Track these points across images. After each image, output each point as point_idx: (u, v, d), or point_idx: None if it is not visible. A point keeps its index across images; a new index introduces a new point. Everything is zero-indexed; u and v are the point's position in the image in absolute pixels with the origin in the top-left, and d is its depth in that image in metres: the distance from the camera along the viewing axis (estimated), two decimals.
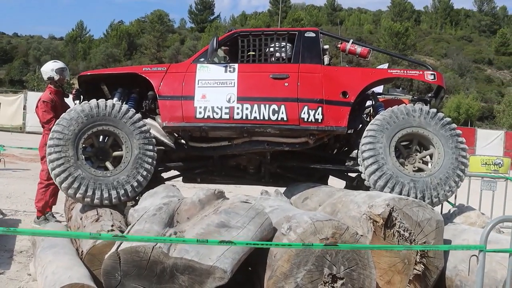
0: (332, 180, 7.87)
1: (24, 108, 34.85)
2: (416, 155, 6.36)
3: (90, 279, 4.18)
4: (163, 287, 3.87)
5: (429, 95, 7.24)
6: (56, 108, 7.71)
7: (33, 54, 78.79)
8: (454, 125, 6.29)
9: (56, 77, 7.80)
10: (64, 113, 6.01)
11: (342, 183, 7.69)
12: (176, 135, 6.71)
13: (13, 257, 6.09)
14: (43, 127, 7.81)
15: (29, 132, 30.92)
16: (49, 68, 7.86)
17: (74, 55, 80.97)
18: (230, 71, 6.46)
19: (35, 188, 7.85)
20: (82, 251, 4.86)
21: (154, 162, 6.11)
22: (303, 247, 3.95)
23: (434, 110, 6.30)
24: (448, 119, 6.30)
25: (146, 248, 3.86)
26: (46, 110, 7.72)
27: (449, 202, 7.49)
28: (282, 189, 7.06)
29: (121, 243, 3.99)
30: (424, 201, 5.78)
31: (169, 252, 3.89)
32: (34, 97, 35.54)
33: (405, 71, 7.10)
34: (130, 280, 3.87)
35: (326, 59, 6.76)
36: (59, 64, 8.03)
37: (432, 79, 6.76)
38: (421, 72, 6.83)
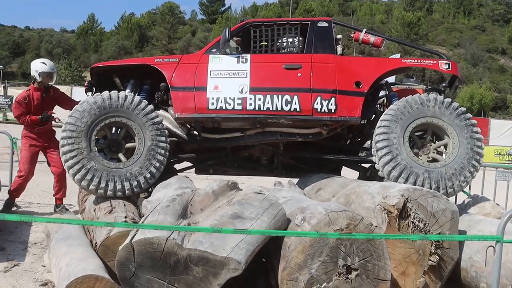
0: (345, 171, 7.83)
1: None
2: (431, 145, 6.31)
3: (104, 271, 4.18)
4: (177, 278, 3.86)
5: (444, 84, 7.16)
6: (30, 105, 7.78)
7: (45, 47, 79.14)
8: (469, 115, 6.22)
9: (39, 79, 7.77)
10: (77, 105, 6.01)
11: (355, 174, 7.65)
12: (189, 126, 6.70)
13: (27, 249, 6.12)
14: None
15: None
16: (34, 69, 7.78)
17: (86, 48, 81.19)
18: (242, 61, 6.43)
19: (48, 180, 7.88)
20: (96, 243, 4.86)
21: (167, 153, 6.10)
22: (318, 236, 3.92)
23: (449, 99, 6.23)
24: (463, 109, 6.23)
25: (160, 240, 3.84)
26: (16, 106, 7.81)
27: (464, 192, 7.43)
28: (295, 180, 7.06)
29: (134, 235, 3.98)
30: (438, 191, 5.74)
31: (183, 243, 3.88)
32: None
33: (419, 61, 7.01)
34: (144, 272, 3.86)
35: (339, 49, 6.71)
36: (46, 67, 7.83)
37: (446, 69, 6.69)
38: (435, 62, 6.76)
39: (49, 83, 7.96)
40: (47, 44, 79.78)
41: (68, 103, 8.04)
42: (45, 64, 7.88)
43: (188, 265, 3.85)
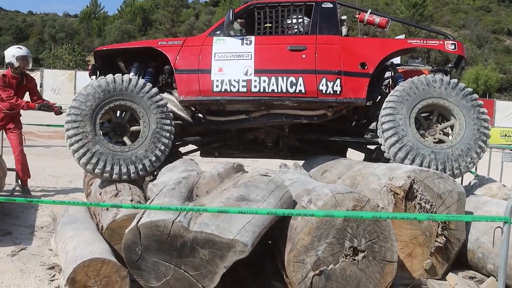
0: (351, 152, 7.81)
1: (41, 86, 34.99)
2: (437, 126, 6.27)
3: (111, 254, 4.19)
4: (184, 261, 3.86)
5: (450, 65, 7.10)
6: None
7: (48, 32, 78.94)
8: (475, 96, 6.18)
9: (16, 64, 7.90)
10: (81, 89, 5.99)
11: (361, 155, 7.63)
12: (194, 109, 6.69)
13: (34, 233, 6.14)
14: None
15: None
16: (11, 54, 7.95)
17: (89, 32, 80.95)
18: (246, 43, 6.39)
19: (54, 165, 7.93)
20: (102, 226, 4.87)
21: (172, 136, 6.09)
22: (325, 215, 3.91)
23: (455, 80, 6.19)
24: (470, 90, 6.18)
25: (166, 222, 3.84)
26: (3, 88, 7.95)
27: (471, 171, 7.39)
28: (301, 162, 7.04)
29: (141, 218, 3.98)
30: (445, 173, 5.72)
31: (189, 226, 3.87)
32: (50, 74, 35.92)
33: (425, 41, 6.94)
34: (151, 254, 3.86)
35: (344, 30, 6.65)
36: (22, 51, 8.03)
37: (452, 49, 6.63)
38: (441, 42, 6.71)
39: (26, 68, 8.15)
40: (50, 29, 79.56)
41: (36, 95, 8.41)
42: (21, 48, 8.14)
43: (195, 247, 3.84)
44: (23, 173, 8.12)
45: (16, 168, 8.10)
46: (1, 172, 7.17)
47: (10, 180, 8.09)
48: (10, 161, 8.38)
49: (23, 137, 8.55)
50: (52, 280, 4.63)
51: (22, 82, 8.05)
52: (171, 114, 6.18)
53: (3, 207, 6.99)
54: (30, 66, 8.25)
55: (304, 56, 6.33)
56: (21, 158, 8.07)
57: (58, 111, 8.09)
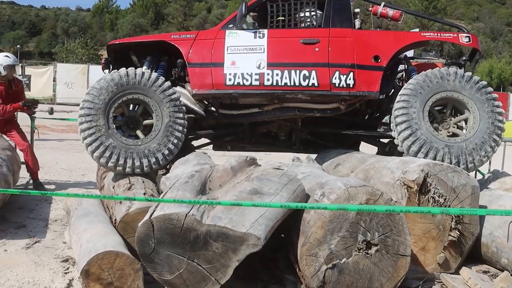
0: (364, 146, 7.79)
1: (54, 80, 35.24)
2: (451, 119, 6.23)
3: (124, 247, 4.21)
4: (197, 254, 3.86)
5: (464, 58, 7.05)
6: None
7: (61, 26, 79.38)
8: (490, 89, 6.13)
9: (3, 73, 7.96)
10: (94, 83, 6.01)
11: (374, 149, 7.60)
12: (206, 103, 6.69)
13: (48, 226, 6.18)
14: None
15: (59, 104, 31.26)
16: None
17: (101, 26, 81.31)
18: (259, 37, 6.38)
19: (67, 158, 7.97)
20: (115, 219, 4.89)
21: (185, 130, 6.09)
22: (338, 208, 3.90)
23: (469, 73, 6.14)
24: (484, 83, 6.13)
25: (179, 216, 3.84)
26: None
27: (479, 171, 7.34)
28: (313, 156, 7.02)
29: (154, 211, 3.98)
30: (459, 166, 5.68)
31: (202, 219, 3.87)
32: (63, 69, 36.09)
33: (438, 34, 6.89)
34: (164, 248, 3.87)
35: (357, 23, 6.62)
36: (10, 60, 8.10)
37: (467, 42, 6.58)
38: (455, 35, 6.65)
39: (15, 75, 8.31)
40: (63, 23, 80.00)
41: (23, 98, 8.40)
42: (9, 57, 8.23)
43: (208, 241, 3.85)
44: (33, 164, 8.13)
45: (25, 159, 8.12)
46: (16, 166, 7.24)
47: (24, 173, 8.15)
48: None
49: (36, 130, 8.61)
50: (66, 273, 4.66)
51: (11, 88, 8.13)
52: (184, 107, 6.18)
53: (17, 201, 7.05)
54: (16, 75, 8.39)
55: (317, 49, 6.30)
56: (29, 151, 8.08)
57: (32, 109, 8.21)
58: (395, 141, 6.14)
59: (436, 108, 6.23)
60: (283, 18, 6.57)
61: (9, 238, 5.58)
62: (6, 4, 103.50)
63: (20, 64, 37.61)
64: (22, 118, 9.84)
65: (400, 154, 6.11)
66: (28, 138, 8.45)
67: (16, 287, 4.33)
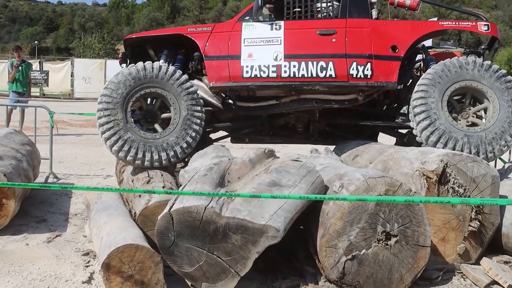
0: (382, 137, 7.75)
1: (72, 75, 35.52)
2: (470, 109, 6.17)
3: (144, 240, 4.22)
4: (216, 246, 3.88)
5: (482, 47, 6.97)
6: None
7: (77, 21, 79.88)
8: (510, 77, 6.05)
9: None
10: (112, 77, 6.04)
11: (392, 140, 7.56)
12: (224, 95, 6.69)
13: (68, 220, 6.23)
14: None
15: (77, 99, 31.49)
16: None
17: (118, 21, 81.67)
18: (276, 28, 6.36)
19: (86, 153, 8.02)
20: (135, 213, 4.92)
21: (203, 123, 6.10)
22: (357, 200, 3.89)
23: (488, 62, 6.07)
24: (504, 71, 6.06)
25: (198, 208, 3.86)
26: None
27: (501, 159, 7.28)
28: (331, 147, 7.00)
29: (173, 204, 4.00)
30: (478, 156, 5.63)
31: (221, 212, 3.89)
32: (80, 63, 36.35)
33: (457, 23, 6.82)
34: (184, 240, 3.89)
35: (374, 13, 6.56)
36: None
37: (486, 30, 6.50)
38: (473, 23, 6.58)
39: None
40: (79, 18, 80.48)
41: None
42: None
43: (227, 233, 3.86)
44: None
45: None
46: (36, 161, 7.30)
47: (44, 168, 8.22)
48: (43, 149, 8.53)
49: (54, 126, 8.67)
50: (87, 266, 4.70)
51: None
52: (201, 100, 6.19)
53: (38, 195, 7.11)
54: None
55: (334, 40, 6.27)
56: None
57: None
58: (414, 132, 6.10)
59: (455, 97, 6.17)
60: (300, 9, 6.55)
61: (30, 232, 5.64)
62: (23, 1, 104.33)
63: (38, 60, 38.00)
64: (41, 113, 9.94)
65: (419, 144, 6.07)
66: (47, 133, 8.51)
67: (38, 280, 4.37)
